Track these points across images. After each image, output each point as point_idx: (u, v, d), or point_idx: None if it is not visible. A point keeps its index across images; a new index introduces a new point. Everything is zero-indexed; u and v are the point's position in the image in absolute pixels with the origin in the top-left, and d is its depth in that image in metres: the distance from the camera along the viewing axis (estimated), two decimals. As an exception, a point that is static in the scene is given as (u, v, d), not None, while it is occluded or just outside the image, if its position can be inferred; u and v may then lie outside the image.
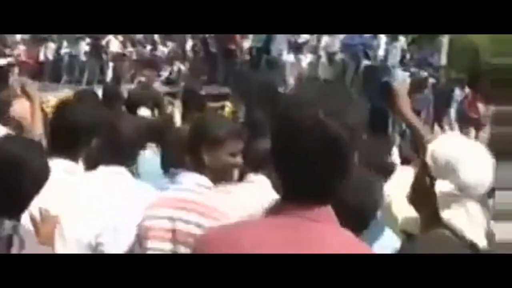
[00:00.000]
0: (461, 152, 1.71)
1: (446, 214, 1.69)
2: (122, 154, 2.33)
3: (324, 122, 1.14)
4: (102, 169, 2.32)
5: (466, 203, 1.70)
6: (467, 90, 10.97)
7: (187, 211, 2.11)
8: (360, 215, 1.97)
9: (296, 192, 1.18)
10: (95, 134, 2.35)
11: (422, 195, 1.74)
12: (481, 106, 10.51)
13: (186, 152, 2.28)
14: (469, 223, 1.68)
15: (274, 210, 1.21)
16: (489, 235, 1.74)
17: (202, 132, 2.20)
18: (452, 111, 10.74)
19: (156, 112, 4.62)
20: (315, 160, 1.15)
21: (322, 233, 1.17)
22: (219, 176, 2.20)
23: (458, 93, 10.79)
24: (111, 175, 2.31)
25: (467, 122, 10.60)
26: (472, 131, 9.91)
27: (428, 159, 1.73)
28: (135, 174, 2.56)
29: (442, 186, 1.70)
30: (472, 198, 1.70)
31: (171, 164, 2.94)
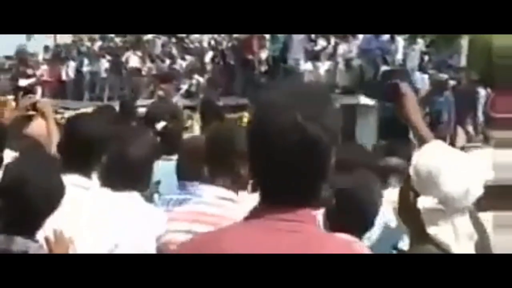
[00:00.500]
0: (443, 163, 1.65)
1: (432, 230, 1.64)
2: (132, 179, 2.31)
3: (302, 125, 1.14)
4: (113, 192, 2.31)
5: (452, 216, 1.64)
6: (489, 91, 10.81)
7: (200, 224, 2.10)
8: (359, 217, 1.98)
9: (277, 196, 1.18)
10: (105, 148, 2.34)
11: (408, 210, 1.69)
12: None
13: (214, 164, 2.24)
14: (456, 238, 1.63)
15: (255, 214, 1.21)
16: (482, 246, 1.69)
17: (232, 144, 2.18)
18: (478, 113, 10.58)
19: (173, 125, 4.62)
20: (294, 163, 1.15)
21: (304, 235, 1.17)
22: (245, 187, 2.20)
23: (482, 94, 10.65)
24: (123, 198, 2.29)
25: (492, 123, 10.42)
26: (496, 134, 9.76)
27: (411, 172, 1.67)
28: (149, 198, 2.53)
29: (424, 202, 1.64)
30: (458, 211, 1.64)
31: (184, 176, 2.93)
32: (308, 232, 1.18)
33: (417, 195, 1.66)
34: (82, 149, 2.37)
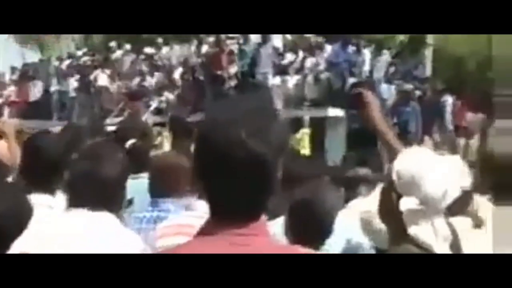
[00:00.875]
0: (424, 166, 1.74)
1: (412, 230, 1.72)
2: (105, 198, 2.27)
3: (246, 142, 1.17)
4: (84, 211, 2.27)
5: (432, 217, 1.73)
6: (454, 99, 11.05)
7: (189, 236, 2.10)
8: (314, 227, 2.05)
9: (226, 210, 1.21)
10: (66, 166, 2.32)
11: (389, 211, 1.78)
12: (469, 115, 10.57)
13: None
14: (435, 237, 1.71)
15: (208, 229, 1.23)
16: (456, 247, 1.76)
17: None
18: (446, 121, 10.79)
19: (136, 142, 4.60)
20: (241, 178, 1.18)
21: (257, 248, 1.19)
22: None
23: (448, 102, 10.87)
24: (96, 217, 2.25)
25: (457, 131, 10.65)
26: (462, 140, 9.95)
27: (394, 176, 1.76)
28: (122, 218, 2.50)
29: (407, 203, 1.73)
30: (437, 211, 1.74)
31: (156, 194, 2.92)
32: (262, 245, 1.20)
33: (399, 196, 1.75)
34: (42, 168, 2.35)
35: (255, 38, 12.78)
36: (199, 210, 2.20)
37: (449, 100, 10.85)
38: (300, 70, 12.05)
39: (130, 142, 4.36)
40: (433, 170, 1.74)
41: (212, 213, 1.23)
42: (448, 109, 10.85)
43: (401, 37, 15.17)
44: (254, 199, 1.21)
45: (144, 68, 15.22)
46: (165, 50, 15.38)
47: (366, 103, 2.03)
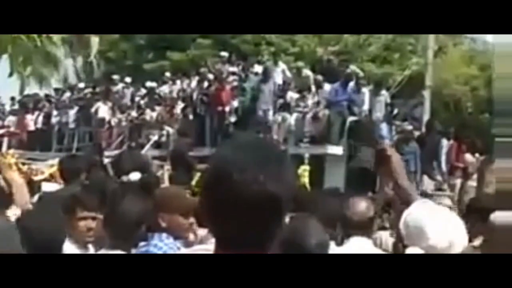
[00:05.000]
0: (430, 219, 1.84)
1: None
2: (126, 239, 2.27)
3: (264, 184, 1.21)
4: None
5: None
6: (452, 141, 11.12)
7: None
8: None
9: (234, 243, 1.25)
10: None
11: None
12: (468, 156, 10.62)
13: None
14: None
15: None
16: None
17: None
18: (442, 162, 10.85)
19: (145, 176, 4.62)
20: (253, 216, 1.23)
21: None
22: None
23: (444, 144, 10.94)
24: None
25: (454, 172, 10.69)
26: (459, 181, 9.98)
27: (401, 227, 1.86)
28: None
29: (412, 252, 1.82)
30: None
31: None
32: None
33: (404, 246, 1.86)
34: None
35: (256, 73, 12.93)
36: (197, 246, 2.22)
37: (444, 141, 10.94)
38: (300, 107, 12.15)
39: (134, 175, 4.37)
40: (438, 222, 1.84)
41: (218, 244, 1.27)
42: (444, 150, 10.91)
43: (399, 78, 15.37)
44: (264, 234, 1.25)
45: (145, 101, 15.34)
46: (166, 84, 15.52)
47: (389, 158, 2.08)
